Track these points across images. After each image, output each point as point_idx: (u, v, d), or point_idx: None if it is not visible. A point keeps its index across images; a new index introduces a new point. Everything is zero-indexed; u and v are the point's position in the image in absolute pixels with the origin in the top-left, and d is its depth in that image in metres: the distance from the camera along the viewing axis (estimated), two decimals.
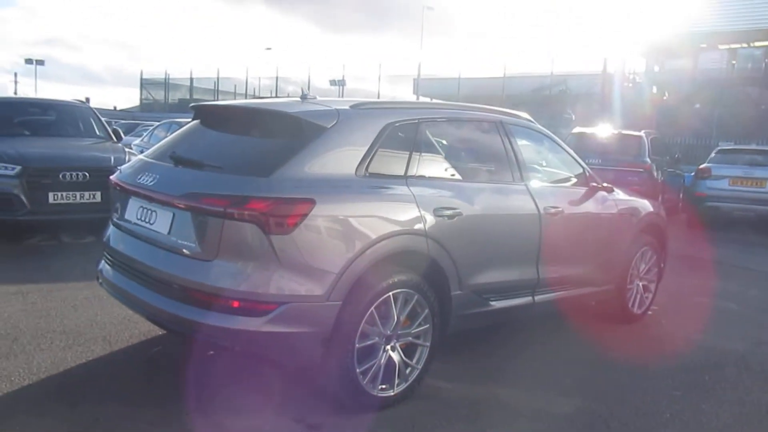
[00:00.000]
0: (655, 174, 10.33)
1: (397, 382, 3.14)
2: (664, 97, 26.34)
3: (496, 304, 3.65)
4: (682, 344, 4.48)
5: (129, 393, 3.16)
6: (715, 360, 4.19)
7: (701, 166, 11.38)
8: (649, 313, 5.07)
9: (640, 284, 4.91)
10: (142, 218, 3.18)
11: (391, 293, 3.04)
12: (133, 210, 3.27)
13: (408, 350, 3.21)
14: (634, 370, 3.91)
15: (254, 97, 38.04)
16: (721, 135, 21.47)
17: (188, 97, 41.04)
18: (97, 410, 2.94)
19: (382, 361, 3.08)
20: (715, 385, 3.74)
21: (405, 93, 36.01)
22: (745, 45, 25.90)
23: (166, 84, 43.34)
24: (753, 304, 5.82)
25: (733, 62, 25.16)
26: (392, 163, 3.29)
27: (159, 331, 3.86)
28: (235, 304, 2.75)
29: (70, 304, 4.42)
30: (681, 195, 12.41)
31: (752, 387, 3.76)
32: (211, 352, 3.61)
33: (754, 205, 10.65)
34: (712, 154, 11.86)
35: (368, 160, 3.14)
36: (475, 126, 4.00)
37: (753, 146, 14.33)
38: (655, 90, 26.82)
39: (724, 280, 6.81)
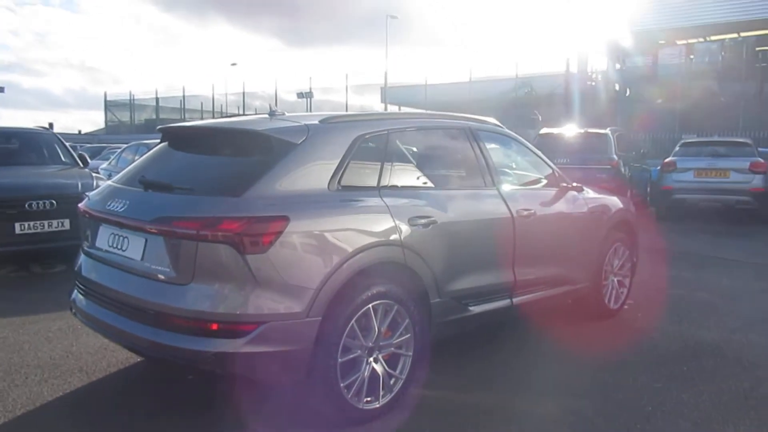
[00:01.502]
0: (623, 170, 10.53)
1: (381, 393, 3.13)
2: (627, 94, 26.86)
3: (476, 309, 3.67)
4: (659, 336, 4.55)
5: (109, 424, 3.09)
6: (691, 350, 4.27)
7: (666, 160, 11.64)
8: (625, 307, 5.14)
9: (615, 280, 4.98)
10: (114, 245, 3.13)
11: (370, 305, 3.04)
12: (104, 237, 3.22)
13: (391, 361, 3.21)
14: (614, 365, 3.96)
15: (221, 113, 37.82)
16: (684, 128, 21.95)
17: (155, 117, 40.62)
18: None
19: (366, 373, 3.07)
20: (693, 375, 3.81)
21: (373, 102, 36.15)
22: (701, 39, 26.60)
23: (131, 105, 42.85)
24: (724, 293, 5.94)
25: (691, 57, 25.81)
26: (364, 175, 3.29)
27: (137, 359, 3.80)
28: (214, 326, 2.72)
29: (44, 336, 4.32)
30: (648, 189, 12.66)
31: (728, 374, 3.83)
32: (191, 377, 3.57)
33: (719, 195, 10.93)
34: (677, 148, 12.13)
35: (340, 173, 3.14)
36: (445, 133, 4.03)
37: (715, 138, 14.69)
38: (617, 87, 27.33)
39: (695, 270, 6.96)
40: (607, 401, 3.43)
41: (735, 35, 26.13)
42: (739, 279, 6.63)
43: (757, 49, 25.08)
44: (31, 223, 6.18)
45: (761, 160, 10.90)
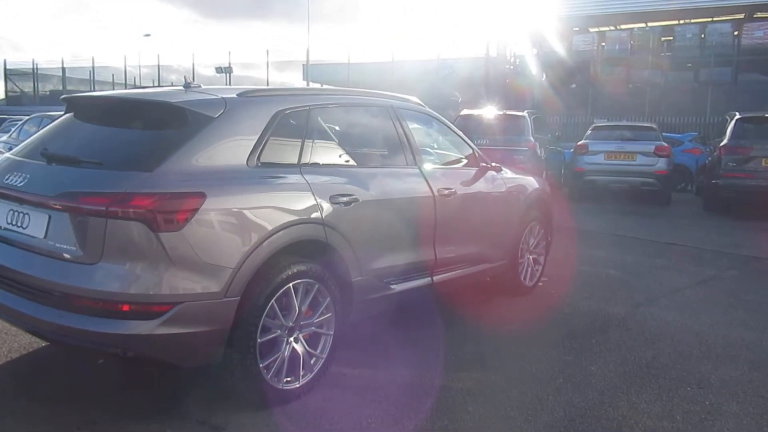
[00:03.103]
0: (539, 152, 10.86)
1: (302, 373, 3.10)
2: (543, 79, 27.70)
3: (397, 287, 3.69)
4: (571, 312, 4.76)
5: (11, 414, 2.91)
6: (599, 324, 4.48)
7: (579, 143, 12.12)
8: (540, 284, 5.34)
9: (530, 258, 5.15)
10: (13, 222, 2.92)
11: (291, 284, 2.99)
12: (2, 214, 2.99)
13: (311, 340, 3.18)
14: (528, 339, 4.10)
15: (134, 86, 36.08)
16: (596, 113, 22.94)
17: (61, 87, 38.21)
18: None
19: (286, 353, 3.03)
20: (601, 348, 4.01)
21: (294, 79, 35.52)
22: (612, 28, 27.72)
23: (34, 74, 40.06)
24: (630, 270, 6.27)
25: (603, 44, 26.86)
26: (284, 151, 3.22)
27: (41, 344, 3.59)
28: (125, 307, 2.59)
29: None
30: (562, 171, 13.15)
31: (633, 346, 4.06)
32: (101, 361, 3.41)
33: (626, 177, 11.51)
34: (588, 131, 12.65)
35: (259, 149, 3.06)
36: (367, 111, 4.00)
37: (624, 122, 15.42)
38: (534, 71, 28.13)
39: (605, 248, 7.31)
40: (521, 374, 3.56)
41: (643, 25, 27.39)
42: (643, 256, 7.02)
43: (663, 39, 26.44)
44: None
45: (665, 144, 11.55)
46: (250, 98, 3.26)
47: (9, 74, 41.04)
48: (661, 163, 11.25)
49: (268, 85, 27.63)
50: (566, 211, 9.62)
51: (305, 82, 33.49)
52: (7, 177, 2.97)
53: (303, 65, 34.43)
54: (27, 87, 40.81)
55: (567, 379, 3.50)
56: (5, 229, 2.97)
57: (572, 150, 12.44)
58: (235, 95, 3.22)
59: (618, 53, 26.00)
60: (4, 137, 12.87)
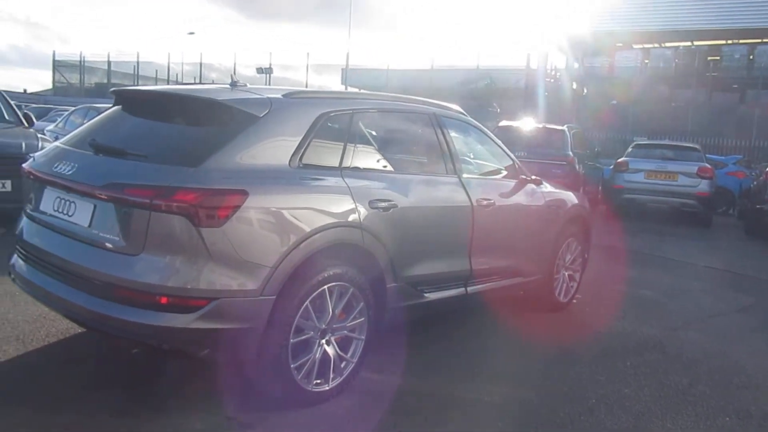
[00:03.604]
0: (577, 167, 10.71)
1: (332, 376, 3.10)
2: (584, 93, 27.40)
3: (430, 296, 3.67)
4: (605, 331, 4.66)
5: (45, 396, 2.96)
6: (634, 345, 4.38)
7: (619, 160, 11.92)
8: (574, 301, 5.24)
9: (566, 274, 5.07)
10: (60, 210, 2.98)
11: (326, 287, 2.99)
12: (50, 201, 3.06)
13: (343, 344, 3.17)
14: (561, 357, 4.03)
15: (177, 83, 36.74)
16: (636, 130, 22.56)
17: (106, 81, 39.05)
18: (10, 416, 2.74)
19: (317, 355, 3.03)
20: (635, 370, 3.91)
21: (333, 83, 35.74)
22: (657, 45, 27.30)
23: (81, 67, 41.06)
24: (667, 292, 6.13)
25: (647, 61, 26.48)
26: (326, 154, 3.22)
27: (78, 329, 3.65)
28: (163, 300, 2.62)
29: None
30: (600, 187, 12.94)
31: (669, 370, 3.95)
32: (135, 351, 3.45)
33: (666, 198, 11.27)
34: (629, 149, 12.43)
35: (302, 150, 3.07)
36: (409, 117, 3.99)
37: (666, 141, 15.12)
38: (575, 86, 27.84)
39: (640, 268, 7.15)
40: (552, 392, 3.49)
41: (688, 43, 26.93)
42: (680, 279, 6.85)
43: (709, 58, 25.94)
44: None
45: (708, 166, 11.28)
46: (294, 99, 3.27)
47: (57, 65, 42.14)
48: (703, 185, 10.98)
49: (306, 87, 27.90)
50: (603, 229, 9.47)
51: (343, 86, 33.69)
52: (56, 165, 3.03)
53: (342, 69, 34.65)
54: (74, 78, 41.84)
55: (600, 400, 3.42)
56: (51, 215, 3.03)
57: (611, 167, 12.24)
58: (280, 96, 3.24)
59: (662, 71, 25.60)
60: (51, 126, 13.21)
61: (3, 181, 5.94)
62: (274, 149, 3.00)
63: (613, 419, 3.21)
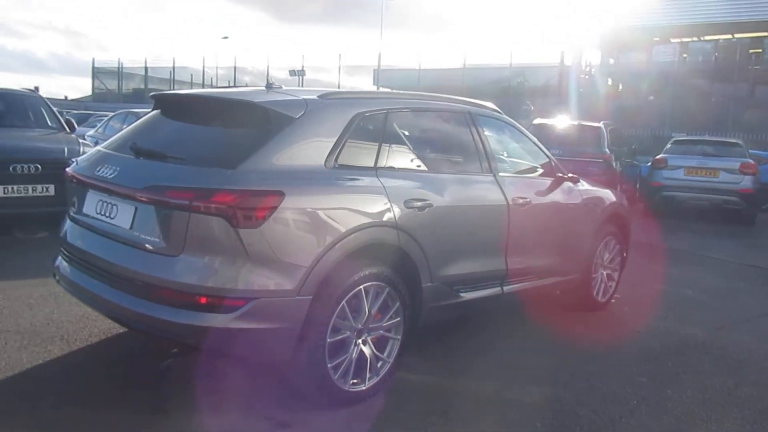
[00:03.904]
0: (614, 164, 10.53)
1: (368, 376, 3.10)
2: (619, 89, 26.91)
3: (466, 296, 3.64)
4: (645, 331, 4.56)
5: (88, 395, 3.03)
6: (676, 346, 4.28)
7: (657, 157, 11.66)
8: (613, 301, 5.15)
9: (605, 273, 4.98)
10: (102, 212, 3.05)
11: (362, 286, 2.99)
12: (92, 204, 3.13)
13: (379, 344, 3.17)
14: (600, 357, 3.96)
15: (212, 87, 37.30)
16: (674, 126, 22.06)
17: (143, 86, 39.95)
18: (55, 414, 2.81)
19: (354, 355, 3.03)
20: (678, 371, 3.82)
21: (365, 84, 35.83)
22: (695, 39, 26.65)
23: (119, 73, 42.04)
24: (709, 291, 5.97)
25: (685, 55, 25.86)
26: (361, 154, 3.23)
27: (120, 329, 3.73)
28: (203, 300, 2.65)
29: (25, 303, 4.23)
30: (637, 185, 12.70)
31: (712, 371, 3.85)
32: (175, 350, 3.51)
33: (707, 195, 10.97)
34: (668, 145, 12.15)
35: (337, 151, 3.08)
36: (444, 116, 3.97)
37: (706, 137, 14.74)
38: (610, 82, 27.37)
39: (682, 267, 6.99)
40: (592, 393, 3.43)
41: (729, 36, 26.21)
42: (723, 278, 6.68)
43: (751, 51, 25.20)
44: (15, 187, 6.03)
45: (751, 162, 10.96)
46: (330, 100, 3.29)
47: (96, 72, 43.23)
48: (746, 181, 10.66)
49: (339, 88, 28.02)
50: (641, 227, 9.28)
51: (376, 87, 33.75)
52: (98, 169, 3.10)
53: (374, 70, 34.72)
54: (112, 85, 42.87)
55: (641, 402, 3.35)
56: (94, 218, 3.11)
57: (649, 164, 11.99)
58: (315, 97, 3.26)
59: (701, 65, 24.97)
60: (91, 132, 13.55)
61: (46, 185, 6.10)
62: (310, 150, 3.01)
63: (655, 421, 3.14)
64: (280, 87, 3.44)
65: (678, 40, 26.82)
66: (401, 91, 4.23)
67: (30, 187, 6.09)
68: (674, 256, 7.67)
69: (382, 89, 31.42)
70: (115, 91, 42.10)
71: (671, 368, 3.86)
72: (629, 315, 5.01)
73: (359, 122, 3.24)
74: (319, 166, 2.99)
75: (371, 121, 3.34)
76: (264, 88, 3.41)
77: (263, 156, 2.83)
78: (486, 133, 4.00)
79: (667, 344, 4.31)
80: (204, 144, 3.10)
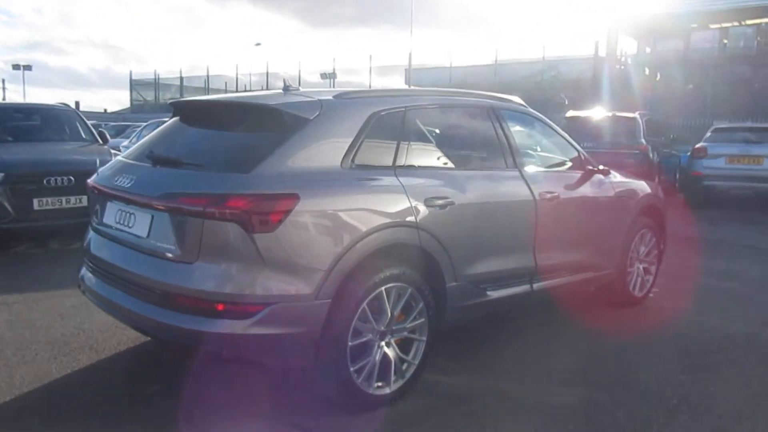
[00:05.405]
0: (651, 155, 10.23)
1: (393, 379, 3.03)
2: (657, 79, 26.21)
3: (494, 294, 3.54)
4: (685, 326, 4.38)
5: (115, 405, 3.04)
6: (719, 342, 4.09)
7: (697, 146, 11.29)
8: (650, 296, 4.97)
9: (641, 267, 4.81)
10: (121, 222, 3.06)
11: (383, 288, 2.93)
12: (112, 213, 3.14)
13: (403, 345, 3.10)
14: (637, 354, 3.81)
15: (245, 93, 37.74)
16: (715, 114, 21.34)
17: (179, 96, 40.76)
18: (81, 425, 2.82)
19: (377, 358, 2.97)
20: (720, 368, 3.65)
21: (396, 84, 35.83)
22: (736, 24, 25.76)
23: (156, 84, 42.98)
24: (755, 284, 5.72)
25: (725, 41, 25.01)
26: (379, 153, 3.16)
27: (146, 338, 3.74)
28: (220, 306, 2.62)
29: (57, 313, 4.30)
30: (677, 175, 12.33)
31: (758, 369, 3.67)
32: (200, 357, 3.49)
33: (752, 183, 10.57)
34: (708, 134, 11.74)
35: (354, 151, 3.02)
36: (465, 112, 3.88)
37: (749, 124, 14.22)
38: (647, 72, 26.67)
39: (724, 259, 6.72)
40: (629, 392, 3.29)
41: None
42: None
43: None
44: (50, 199, 6.18)
45: None
46: (345, 100, 3.23)
47: (134, 84, 44.29)
48: None
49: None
50: (681, 218, 8.99)
51: (407, 86, 33.66)
52: (116, 179, 3.11)
53: (405, 69, 34.65)
54: (149, 96, 43.84)
55: (681, 401, 3.19)
56: (114, 228, 3.12)
57: (689, 153, 11.62)
58: (331, 97, 3.21)
59: (742, 50, 24.10)
60: (125, 142, 13.83)
61: (80, 196, 6.22)
62: (326, 151, 2.96)
63: (696, 422, 2.99)
64: (297, 89, 3.40)
65: (717, 25, 25.97)
66: (420, 88, 4.15)
67: (64, 198, 6.23)
68: (717, 248, 7.38)
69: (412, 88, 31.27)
70: (152, 102, 43.03)
71: (713, 365, 3.69)
72: (668, 310, 4.82)
73: (376, 121, 3.18)
74: (336, 167, 2.94)
75: (389, 120, 3.27)
76: (281, 90, 3.38)
77: (278, 159, 2.79)
78: (510, 127, 3.89)
79: (709, 340, 4.12)
80: (220, 149, 3.08)
